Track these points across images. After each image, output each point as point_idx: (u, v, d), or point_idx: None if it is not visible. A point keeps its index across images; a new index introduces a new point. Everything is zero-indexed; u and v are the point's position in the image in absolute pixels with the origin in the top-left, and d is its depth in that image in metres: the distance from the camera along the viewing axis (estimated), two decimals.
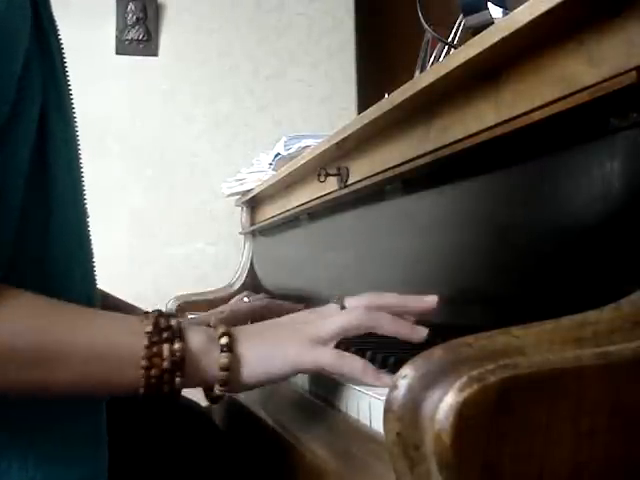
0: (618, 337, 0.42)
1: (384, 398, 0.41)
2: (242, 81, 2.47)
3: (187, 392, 0.68)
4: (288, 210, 1.55)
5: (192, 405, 1.00)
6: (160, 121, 2.41)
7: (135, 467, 0.71)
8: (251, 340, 0.63)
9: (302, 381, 0.79)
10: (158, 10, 2.43)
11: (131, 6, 2.41)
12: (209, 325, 0.64)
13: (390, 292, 0.70)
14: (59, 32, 0.67)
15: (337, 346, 0.65)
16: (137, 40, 2.41)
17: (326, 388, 0.71)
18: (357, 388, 0.63)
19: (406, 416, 0.39)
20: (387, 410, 0.40)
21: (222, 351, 0.61)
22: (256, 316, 1.14)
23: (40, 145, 0.61)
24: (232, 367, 0.61)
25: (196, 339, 0.61)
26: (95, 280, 0.69)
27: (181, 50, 2.45)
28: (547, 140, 0.68)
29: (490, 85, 0.74)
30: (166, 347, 0.58)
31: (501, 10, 0.83)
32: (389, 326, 0.65)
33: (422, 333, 0.67)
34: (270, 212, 1.75)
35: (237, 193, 1.93)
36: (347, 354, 0.63)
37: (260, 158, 1.84)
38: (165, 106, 2.42)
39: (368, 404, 0.59)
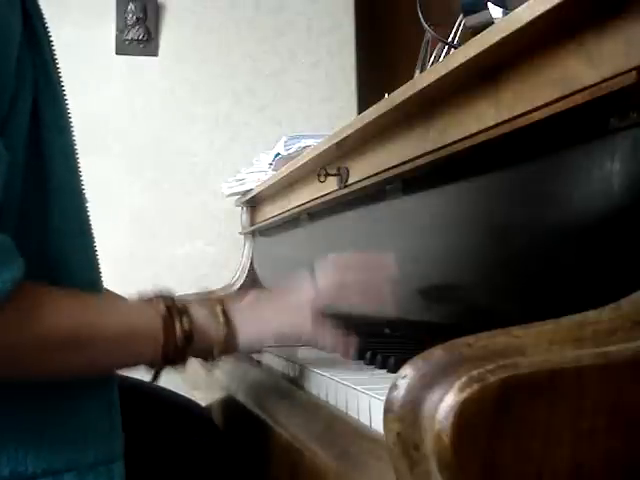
0: (618, 337, 0.42)
1: (384, 398, 0.41)
2: (242, 81, 2.47)
3: (187, 392, 0.71)
4: (288, 210, 1.55)
5: (192, 405, 1.00)
6: (160, 121, 2.41)
7: (135, 467, 0.71)
8: (244, 312, 0.74)
9: (302, 381, 0.79)
10: (158, 10, 2.43)
11: (131, 6, 2.41)
12: (208, 299, 0.74)
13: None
14: (47, 23, 0.68)
15: None
16: (137, 40, 2.41)
17: (326, 388, 0.71)
18: (357, 388, 0.63)
19: (406, 416, 0.39)
20: (387, 410, 0.40)
21: (221, 321, 0.71)
22: None
23: (34, 135, 0.64)
24: (229, 334, 0.71)
25: (200, 314, 0.70)
26: (98, 265, 0.71)
27: (181, 50, 2.45)
28: (547, 140, 0.68)
29: (490, 85, 0.74)
30: (177, 325, 0.67)
31: (501, 10, 0.83)
32: (354, 300, 0.78)
33: (388, 308, 0.79)
34: (270, 212, 1.75)
35: (237, 193, 1.93)
36: (325, 327, 0.75)
37: (260, 158, 1.84)
38: (165, 106, 2.42)
39: (368, 404, 0.59)
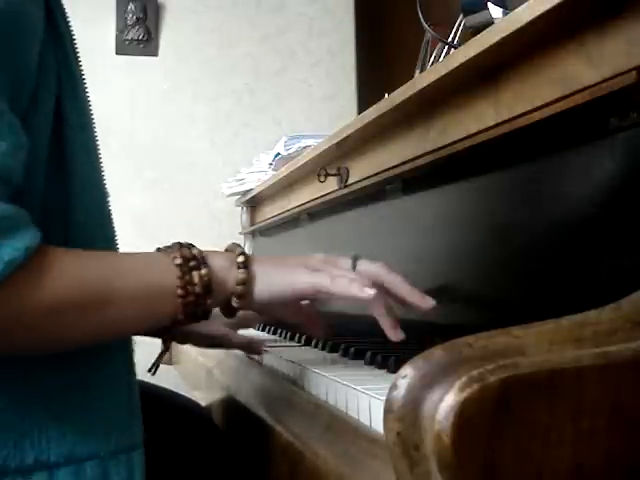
0: (618, 337, 0.42)
1: (384, 398, 0.41)
2: (242, 81, 2.47)
3: (187, 392, 0.70)
4: (288, 210, 1.55)
5: (192, 405, 1.01)
6: (160, 121, 2.41)
7: None
8: (263, 262, 0.72)
9: (302, 381, 0.79)
10: (158, 10, 2.43)
11: (131, 6, 2.41)
12: (226, 250, 0.72)
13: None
14: (69, 21, 0.68)
15: (335, 348, 0.66)
16: (137, 40, 2.41)
17: (326, 388, 0.71)
18: (357, 388, 0.63)
19: (406, 416, 0.39)
20: (387, 410, 0.40)
21: (239, 268, 0.69)
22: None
23: (57, 131, 0.64)
24: (247, 281, 0.69)
25: (218, 262, 0.68)
26: None
27: (181, 50, 2.45)
28: (547, 140, 0.68)
29: (490, 85, 0.74)
30: (195, 274, 0.65)
31: (501, 10, 0.83)
32: (379, 313, 0.71)
33: (399, 335, 0.72)
34: (270, 212, 1.75)
35: (237, 193, 1.93)
36: (338, 276, 0.70)
37: (260, 158, 1.84)
38: (165, 106, 2.42)
39: (368, 404, 0.59)
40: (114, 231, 0.72)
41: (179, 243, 0.68)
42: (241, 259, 0.69)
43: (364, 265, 0.73)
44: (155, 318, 0.66)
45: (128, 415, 0.67)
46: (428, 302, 0.72)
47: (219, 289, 0.67)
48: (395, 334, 0.71)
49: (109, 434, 0.65)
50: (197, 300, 0.65)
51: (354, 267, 0.73)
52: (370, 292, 0.68)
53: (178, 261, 0.65)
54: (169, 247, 0.68)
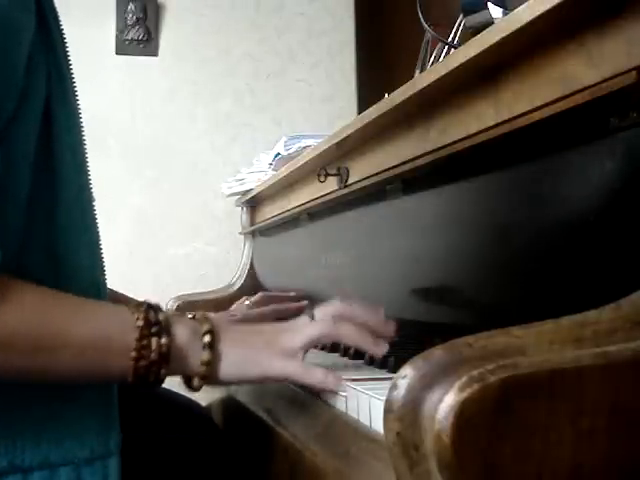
0: (618, 337, 0.42)
1: (384, 398, 0.41)
2: (242, 81, 2.47)
3: (187, 392, 0.69)
4: (288, 210, 1.55)
5: (192, 405, 1.00)
6: (160, 121, 2.41)
7: (135, 466, 0.71)
8: (231, 342, 0.68)
9: None
10: (158, 10, 2.43)
11: (131, 6, 2.41)
12: (194, 317, 0.69)
13: (360, 302, 0.76)
14: (61, 24, 0.69)
15: (335, 348, 0.65)
16: (137, 40, 2.41)
17: None
18: (357, 388, 0.63)
19: (406, 416, 0.39)
20: (387, 410, 0.40)
21: (204, 348, 0.66)
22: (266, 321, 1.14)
23: (44, 133, 0.64)
24: (211, 363, 0.66)
25: (182, 333, 0.65)
26: (103, 265, 0.71)
27: (181, 50, 2.45)
28: (547, 140, 0.68)
29: (490, 85, 0.74)
30: (155, 340, 0.63)
31: (501, 10, 0.83)
32: (353, 337, 0.72)
33: (383, 349, 0.72)
34: (270, 212, 1.75)
35: (237, 193, 1.93)
36: (312, 367, 0.69)
37: (260, 158, 1.84)
38: (165, 106, 2.42)
39: (368, 404, 0.59)
40: (98, 236, 0.70)
41: (148, 304, 0.65)
42: (207, 339, 0.66)
43: (321, 311, 0.74)
44: (104, 374, 0.64)
45: (105, 422, 0.67)
46: (389, 328, 0.75)
47: (177, 360, 0.65)
48: (379, 349, 0.72)
49: (84, 440, 0.65)
50: (150, 367, 0.62)
51: (312, 317, 0.74)
52: (342, 385, 0.68)
53: (140, 323, 0.63)
54: (140, 304, 0.65)
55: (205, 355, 0.66)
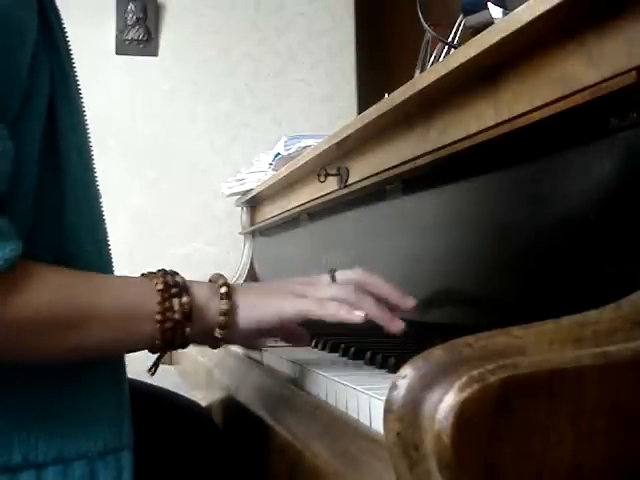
0: (618, 337, 0.42)
1: (384, 398, 0.41)
2: (242, 81, 2.47)
3: (187, 392, 0.70)
4: (288, 210, 1.55)
5: (192, 406, 1.00)
6: (160, 121, 2.41)
7: (135, 466, 0.71)
8: (246, 292, 0.72)
9: (302, 381, 0.79)
10: (158, 10, 2.43)
11: (131, 6, 2.41)
12: (210, 280, 0.72)
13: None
14: (64, 24, 0.69)
15: (335, 348, 0.65)
16: (137, 40, 2.41)
17: (326, 388, 0.71)
18: (357, 388, 0.63)
19: (406, 416, 0.39)
20: (387, 410, 0.40)
21: (222, 298, 0.69)
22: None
23: (49, 132, 0.64)
24: (230, 312, 0.69)
25: (200, 292, 0.68)
26: (111, 260, 0.72)
27: (181, 50, 2.45)
28: (547, 140, 0.68)
29: (490, 85, 0.74)
30: (176, 301, 0.65)
31: (501, 10, 0.83)
32: (371, 310, 0.71)
33: (400, 325, 0.72)
34: (270, 212, 1.75)
35: (237, 193, 1.93)
36: (325, 300, 0.71)
37: (260, 158, 1.84)
38: (165, 106, 2.42)
39: (368, 404, 0.59)
40: (106, 233, 0.71)
41: (164, 270, 0.68)
42: (224, 290, 0.69)
43: (343, 275, 0.75)
44: (133, 341, 0.66)
45: (117, 416, 0.68)
46: (408, 302, 0.75)
47: (199, 318, 0.67)
48: (395, 325, 0.72)
49: (98, 435, 0.65)
50: (175, 327, 0.65)
51: (333, 279, 0.75)
52: (359, 314, 0.70)
53: (160, 287, 0.65)
54: (154, 273, 0.68)
55: (224, 305, 0.68)
